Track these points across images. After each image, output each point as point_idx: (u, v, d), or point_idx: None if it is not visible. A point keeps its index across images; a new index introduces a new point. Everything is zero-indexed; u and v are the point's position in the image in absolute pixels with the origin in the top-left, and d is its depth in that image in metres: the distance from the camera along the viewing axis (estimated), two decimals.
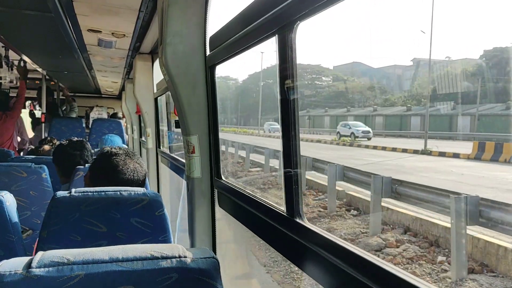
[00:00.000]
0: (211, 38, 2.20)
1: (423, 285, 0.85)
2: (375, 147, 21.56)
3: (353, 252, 1.05)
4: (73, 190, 1.77)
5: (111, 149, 2.10)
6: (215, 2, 2.20)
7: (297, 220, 1.33)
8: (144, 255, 1.23)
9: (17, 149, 6.69)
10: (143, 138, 7.13)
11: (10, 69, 6.12)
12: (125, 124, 9.02)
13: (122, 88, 8.28)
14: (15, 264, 1.17)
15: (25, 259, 1.19)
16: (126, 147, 5.99)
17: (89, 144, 3.38)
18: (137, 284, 1.20)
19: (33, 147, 4.53)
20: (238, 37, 1.73)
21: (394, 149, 19.79)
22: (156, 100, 4.89)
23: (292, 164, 1.34)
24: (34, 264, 1.16)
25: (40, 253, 1.22)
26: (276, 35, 1.33)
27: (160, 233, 1.82)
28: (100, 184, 1.97)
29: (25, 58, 5.55)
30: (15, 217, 2.33)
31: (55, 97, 8.36)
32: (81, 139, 3.47)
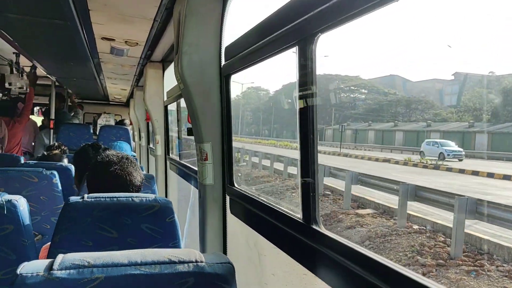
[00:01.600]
0: (226, 48, 2.24)
1: None
2: (461, 171, 17.33)
3: (372, 258, 1.07)
4: (85, 195, 1.79)
5: (103, 159, 2.07)
6: (232, 13, 2.24)
7: (314, 226, 1.35)
8: (162, 259, 1.25)
9: (29, 153, 6.75)
10: (151, 145, 7.16)
11: (20, 75, 6.19)
12: (131, 130, 9.05)
13: (131, 96, 8.33)
14: (36, 267, 1.19)
15: (46, 261, 1.21)
16: (133, 153, 6.02)
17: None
18: (154, 287, 1.22)
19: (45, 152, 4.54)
20: (256, 47, 1.76)
21: (490, 175, 16.02)
22: (166, 108, 4.93)
23: (310, 171, 1.37)
24: (55, 266, 1.18)
25: (60, 256, 1.25)
26: (297, 47, 1.36)
27: (170, 240, 1.84)
28: (94, 186, 1.99)
29: (36, 64, 5.60)
30: (28, 222, 2.36)
31: (64, 103, 8.43)
32: (104, 145, 3.45)
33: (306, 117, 1.36)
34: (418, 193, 10.48)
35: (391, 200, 11.84)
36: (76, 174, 3.20)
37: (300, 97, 1.36)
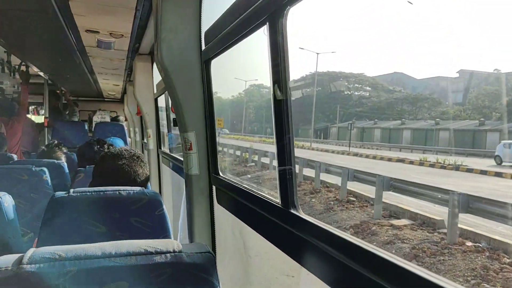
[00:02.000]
0: (206, 32, 2.18)
1: (426, 274, 0.81)
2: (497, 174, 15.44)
3: (352, 242, 1.02)
4: (71, 190, 1.76)
5: (115, 150, 2.09)
6: None
7: (292, 211, 1.30)
8: (138, 250, 1.21)
9: (29, 152, 6.73)
10: (145, 140, 7.14)
11: (12, 74, 6.15)
12: (127, 127, 9.03)
13: (124, 91, 8.30)
14: (6, 261, 1.16)
15: (16, 256, 1.18)
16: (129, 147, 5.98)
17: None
18: (130, 279, 1.18)
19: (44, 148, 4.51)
20: (231, 28, 1.70)
21: None
22: (156, 100, 4.88)
23: (286, 156, 1.31)
24: (25, 260, 1.15)
25: (31, 250, 1.21)
26: (267, 23, 1.30)
27: (160, 232, 1.81)
28: (103, 181, 1.97)
29: (26, 62, 5.57)
30: (13, 218, 2.33)
31: (58, 101, 8.40)
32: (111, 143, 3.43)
33: (280, 103, 1.30)
34: (473, 204, 8.63)
35: (424, 208, 10.46)
36: (79, 166, 3.18)
37: (274, 82, 1.30)
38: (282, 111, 1.29)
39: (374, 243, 8.70)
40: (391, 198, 11.28)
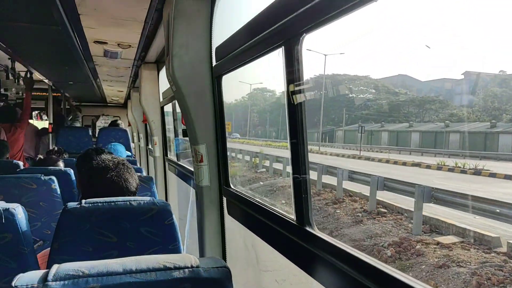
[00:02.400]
0: (217, 48, 2.23)
1: None
2: None
3: (364, 261, 1.06)
4: (83, 201, 1.78)
5: (95, 155, 2.06)
6: (220, 14, 2.23)
7: (307, 228, 1.35)
8: (157, 266, 1.24)
9: (31, 158, 6.75)
10: (149, 146, 7.16)
11: (16, 81, 6.19)
12: (131, 132, 9.05)
13: (128, 97, 8.32)
14: (31, 278, 1.18)
15: (41, 272, 1.21)
16: (128, 153, 6.01)
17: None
18: None
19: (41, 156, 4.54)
20: (245, 48, 1.75)
21: None
22: (162, 108, 4.92)
23: (301, 172, 1.36)
24: (50, 277, 1.17)
25: (55, 266, 1.24)
26: (283, 47, 1.35)
27: (169, 242, 1.83)
28: (88, 192, 1.98)
29: (31, 70, 5.60)
30: (26, 229, 2.35)
31: (62, 107, 8.42)
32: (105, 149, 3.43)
33: (295, 116, 1.35)
34: None
35: (467, 221, 9.16)
36: (79, 178, 3.20)
37: (288, 97, 1.35)
38: (298, 132, 1.34)
39: (423, 266, 7.96)
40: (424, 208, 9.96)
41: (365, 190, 12.52)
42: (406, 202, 10.88)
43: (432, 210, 10.00)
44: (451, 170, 17.51)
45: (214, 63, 2.27)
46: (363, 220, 10.95)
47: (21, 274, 1.18)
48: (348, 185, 13.70)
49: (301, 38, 1.26)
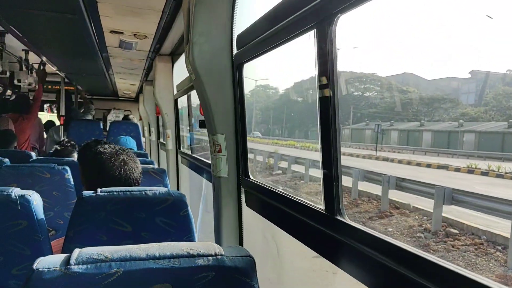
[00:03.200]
0: (238, 36, 2.19)
1: (485, 281, 0.81)
2: None
3: (401, 248, 1.02)
4: (98, 189, 1.77)
5: (96, 145, 2.08)
6: (242, 1, 2.19)
7: (338, 217, 1.31)
8: (181, 252, 1.22)
9: (37, 149, 6.78)
10: (161, 140, 7.16)
11: (29, 72, 6.21)
12: (142, 126, 9.07)
13: (140, 91, 8.33)
14: (53, 261, 1.16)
15: (62, 256, 1.18)
16: (129, 148, 6.00)
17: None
18: (174, 281, 1.19)
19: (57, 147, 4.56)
20: (270, 33, 1.71)
21: None
22: (176, 101, 4.91)
23: (332, 160, 1.31)
24: (72, 261, 1.15)
25: (77, 250, 1.22)
26: (315, 29, 1.31)
27: (184, 233, 1.82)
28: (91, 182, 1.97)
29: (45, 60, 5.61)
30: (42, 217, 2.34)
31: (73, 100, 8.45)
32: (107, 140, 3.42)
33: (327, 105, 1.30)
34: None
35: None
36: (81, 171, 3.20)
37: (320, 86, 1.31)
38: (330, 119, 1.30)
39: None
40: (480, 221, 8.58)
41: (408, 198, 11.14)
42: (474, 219, 9.06)
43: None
44: (484, 173, 15.91)
45: (235, 51, 2.24)
46: (430, 245, 8.88)
47: (41, 258, 1.16)
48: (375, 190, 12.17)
49: (335, 19, 1.21)
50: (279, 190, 1.85)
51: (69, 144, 4.27)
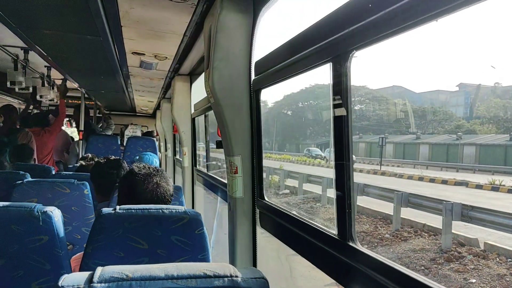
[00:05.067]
0: (257, 62, 2.27)
1: None
2: None
3: (413, 277, 1.05)
4: (117, 207, 1.83)
5: (133, 168, 2.14)
6: (261, 29, 2.27)
7: (350, 243, 1.35)
8: (198, 273, 1.26)
9: (62, 162, 6.94)
10: (177, 156, 7.24)
11: (51, 88, 6.38)
12: (158, 142, 9.17)
13: (157, 107, 8.45)
14: (77, 279, 1.21)
15: (85, 274, 1.24)
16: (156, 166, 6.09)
17: (125, 163, 3.45)
18: None
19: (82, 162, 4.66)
20: (287, 63, 1.78)
21: None
22: (193, 120, 4.99)
23: (346, 187, 1.36)
24: (95, 279, 1.20)
25: (100, 268, 1.27)
26: (331, 63, 1.37)
27: (199, 252, 1.86)
28: (123, 202, 2.03)
29: (67, 77, 5.76)
30: (62, 232, 2.40)
31: (92, 115, 8.62)
32: (118, 158, 3.51)
33: (341, 133, 1.36)
34: None
35: None
36: (94, 187, 3.29)
37: (335, 113, 1.37)
38: (343, 148, 1.35)
39: None
40: None
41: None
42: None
43: None
44: (511, 190, 14.82)
45: (253, 76, 2.31)
46: None
47: (65, 275, 1.21)
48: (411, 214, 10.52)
49: (350, 55, 1.28)
50: (293, 213, 1.89)
51: (93, 160, 4.36)
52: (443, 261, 8.62)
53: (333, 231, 1.46)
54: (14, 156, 4.88)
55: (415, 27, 1.01)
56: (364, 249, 1.29)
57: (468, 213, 9.25)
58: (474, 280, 7.67)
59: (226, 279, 1.27)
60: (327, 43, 1.38)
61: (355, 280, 1.32)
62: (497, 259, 8.43)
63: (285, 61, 1.81)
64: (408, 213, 10.81)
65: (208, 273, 1.28)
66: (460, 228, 9.45)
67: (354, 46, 1.23)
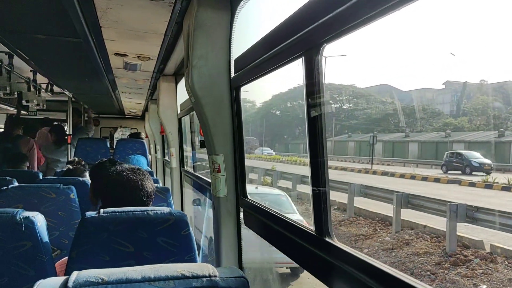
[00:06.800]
0: (235, 60, 2.26)
1: None
2: None
3: (387, 272, 1.05)
4: (101, 210, 1.81)
5: (113, 165, 2.13)
6: (239, 26, 2.26)
7: (327, 239, 1.34)
8: (176, 274, 1.24)
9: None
10: (166, 158, 7.21)
11: (37, 92, 6.32)
12: (148, 144, 9.14)
13: (145, 109, 8.42)
14: (52, 284, 1.20)
15: (61, 279, 1.22)
16: (148, 168, 6.08)
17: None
18: None
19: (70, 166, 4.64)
20: (264, 59, 1.77)
21: None
22: (180, 120, 4.97)
23: (321, 183, 1.36)
24: (70, 283, 1.18)
25: (75, 273, 1.25)
26: (303, 57, 1.36)
27: (186, 253, 1.85)
28: (107, 201, 2.02)
29: (52, 81, 5.72)
30: (46, 238, 2.38)
31: (80, 118, 8.56)
32: (122, 162, 3.46)
33: (315, 127, 1.35)
34: None
35: None
36: (91, 189, 3.25)
37: (308, 108, 1.36)
38: (318, 142, 1.34)
39: None
40: None
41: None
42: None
43: None
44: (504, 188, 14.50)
45: (232, 74, 2.30)
46: None
47: (41, 280, 1.20)
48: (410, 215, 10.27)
49: (321, 48, 1.27)
50: (274, 211, 1.88)
51: (80, 164, 4.32)
52: (449, 265, 8.35)
53: (311, 227, 1.46)
54: (6, 162, 4.88)
55: (380, 16, 1.00)
56: (340, 245, 1.28)
57: (473, 215, 9.08)
58: (485, 286, 7.46)
59: (204, 279, 1.26)
60: (298, 38, 1.37)
61: (332, 275, 1.31)
62: (506, 262, 8.17)
63: (261, 57, 1.80)
64: (407, 214, 10.73)
65: (186, 274, 1.26)
66: (461, 229, 9.32)
67: (324, 39, 1.22)
